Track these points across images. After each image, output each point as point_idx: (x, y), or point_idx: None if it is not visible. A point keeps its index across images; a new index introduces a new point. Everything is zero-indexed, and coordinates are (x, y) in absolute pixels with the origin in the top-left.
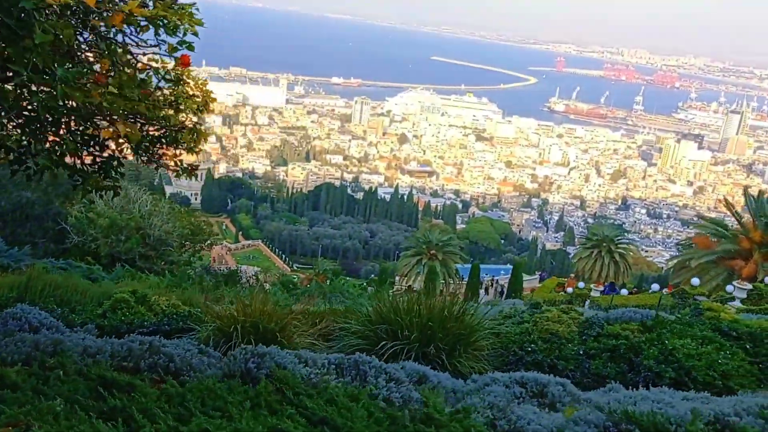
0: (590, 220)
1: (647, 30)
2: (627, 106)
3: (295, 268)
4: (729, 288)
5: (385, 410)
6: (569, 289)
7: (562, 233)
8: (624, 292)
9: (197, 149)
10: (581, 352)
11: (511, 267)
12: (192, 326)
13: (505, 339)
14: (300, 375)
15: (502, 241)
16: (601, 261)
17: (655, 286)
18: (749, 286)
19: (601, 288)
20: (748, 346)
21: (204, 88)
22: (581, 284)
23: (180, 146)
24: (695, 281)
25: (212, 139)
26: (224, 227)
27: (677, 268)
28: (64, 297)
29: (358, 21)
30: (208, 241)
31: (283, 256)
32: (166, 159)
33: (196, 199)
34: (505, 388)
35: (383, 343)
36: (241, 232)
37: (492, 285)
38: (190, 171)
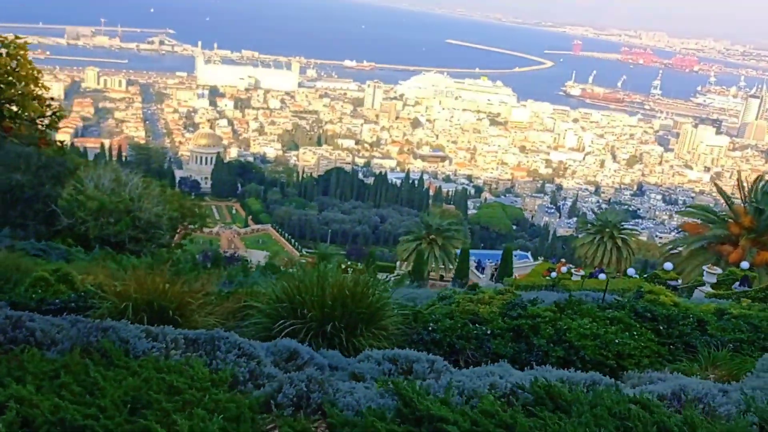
0: (604, 206)
1: (666, 12)
2: (644, 91)
3: (304, 252)
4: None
5: (166, 380)
6: (553, 274)
7: (575, 219)
8: (602, 276)
9: (55, 125)
10: (488, 332)
11: (527, 254)
12: (96, 304)
13: (421, 319)
14: (142, 349)
15: (514, 227)
16: (604, 247)
17: (631, 271)
18: (719, 271)
19: (581, 272)
20: (661, 328)
21: (22, 54)
22: (564, 269)
23: (11, 119)
24: (668, 266)
25: (224, 122)
26: (234, 211)
27: (667, 254)
28: (3, 275)
29: (371, 4)
30: (199, 224)
31: (293, 240)
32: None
33: (206, 183)
34: (377, 365)
35: (281, 321)
36: (250, 217)
37: (495, 270)
38: (40, 143)
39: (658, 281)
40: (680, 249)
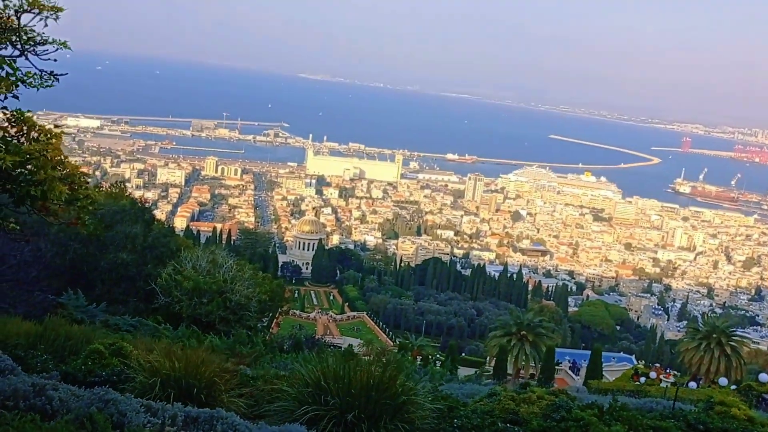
0: (718, 310)
1: None
2: (761, 190)
3: (397, 342)
4: None
5: None
6: (643, 379)
7: (685, 322)
8: (692, 385)
9: (88, 207)
10: None
11: (631, 357)
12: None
13: (452, 415)
14: (137, 423)
15: (618, 328)
16: (710, 354)
17: (723, 381)
18: None
19: (671, 379)
20: None
21: (54, 142)
22: (653, 374)
23: (34, 202)
24: (763, 377)
25: (328, 210)
26: (332, 297)
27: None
28: (74, 347)
29: (475, 99)
30: (286, 307)
31: (387, 329)
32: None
33: (307, 268)
34: None
35: (304, 407)
36: (347, 303)
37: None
38: (72, 223)
39: (753, 393)
40: None
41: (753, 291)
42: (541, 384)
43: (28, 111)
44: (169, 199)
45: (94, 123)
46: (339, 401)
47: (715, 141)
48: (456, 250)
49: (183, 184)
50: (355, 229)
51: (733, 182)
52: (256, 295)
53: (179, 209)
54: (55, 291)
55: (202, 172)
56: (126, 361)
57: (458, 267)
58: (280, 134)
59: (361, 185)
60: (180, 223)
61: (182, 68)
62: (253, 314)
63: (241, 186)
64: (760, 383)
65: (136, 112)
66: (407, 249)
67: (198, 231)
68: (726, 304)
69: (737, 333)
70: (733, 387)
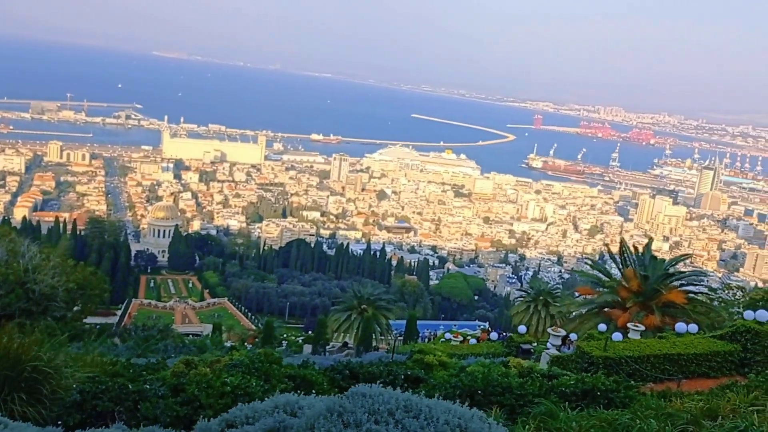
0: (566, 276)
1: (622, 89)
2: (603, 163)
3: (260, 326)
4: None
5: None
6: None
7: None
8: (473, 341)
9: None
10: (160, 393)
11: (485, 324)
12: None
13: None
14: None
15: (476, 297)
16: (537, 315)
17: (494, 335)
18: (563, 333)
19: (459, 338)
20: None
21: None
22: (448, 335)
23: None
24: (522, 329)
25: (188, 195)
26: (191, 285)
27: (564, 318)
28: None
29: (338, 79)
30: (99, 296)
31: (250, 314)
32: None
33: (163, 256)
34: None
35: None
36: (207, 290)
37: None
38: None
39: (512, 344)
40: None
41: (597, 257)
42: (359, 353)
43: None
44: (7, 188)
45: None
46: None
47: (564, 118)
48: (322, 231)
49: (23, 171)
50: (218, 213)
51: (579, 156)
52: (63, 284)
53: (19, 199)
54: None
55: (45, 158)
56: None
57: (324, 248)
58: (133, 116)
59: (223, 168)
60: (20, 214)
61: (16, 45)
62: (61, 304)
63: (90, 172)
64: (519, 335)
65: None
66: (272, 232)
67: (39, 222)
68: (573, 270)
69: (560, 295)
70: (496, 337)
